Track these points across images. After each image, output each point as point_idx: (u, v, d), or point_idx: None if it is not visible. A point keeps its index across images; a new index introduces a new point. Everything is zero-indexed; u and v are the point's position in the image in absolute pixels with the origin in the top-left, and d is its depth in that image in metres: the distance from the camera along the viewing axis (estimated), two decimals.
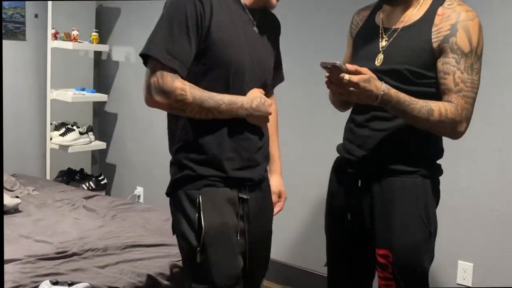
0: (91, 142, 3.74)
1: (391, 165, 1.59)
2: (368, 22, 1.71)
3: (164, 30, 1.49)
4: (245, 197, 1.57)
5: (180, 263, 2.09)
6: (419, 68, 1.55)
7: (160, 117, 3.61)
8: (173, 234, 1.63)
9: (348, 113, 1.78)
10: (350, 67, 1.41)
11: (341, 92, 1.46)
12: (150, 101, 1.57)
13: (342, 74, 1.41)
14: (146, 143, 3.74)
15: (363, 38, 1.68)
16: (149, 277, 1.97)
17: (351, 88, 1.42)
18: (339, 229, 1.75)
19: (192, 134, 1.59)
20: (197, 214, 1.53)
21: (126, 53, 3.82)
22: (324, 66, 1.43)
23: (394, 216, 1.58)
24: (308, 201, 3.01)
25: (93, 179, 3.75)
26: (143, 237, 2.38)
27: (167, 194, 1.71)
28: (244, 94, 1.54)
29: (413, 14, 1.59)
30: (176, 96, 1.48)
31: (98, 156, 4.06)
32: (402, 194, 1.58)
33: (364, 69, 1.43)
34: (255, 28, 1.59)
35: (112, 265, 2.06)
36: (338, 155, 1.78)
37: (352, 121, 1.70)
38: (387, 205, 1.59)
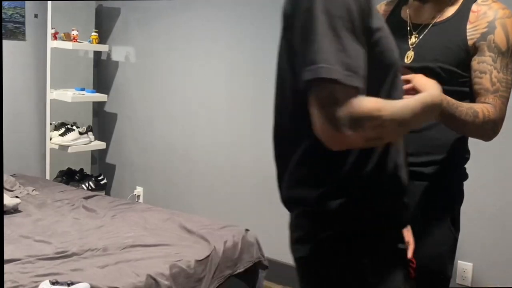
0: (90, 142, 3.74)
1: (420, 169, 1.52)
2: (393, 17, 1.61)
3: (329, 39, 1.02)
4: None
5: (179, 263, 2.09)
6: (453, 66, 1.48)
7: (159, 117, 3.63)
8: None
9: None
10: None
11: None
12: (339, 141, 1.03)
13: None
14: (146, 143, 3.74)
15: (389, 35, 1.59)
16: (149, 277, 1.97)
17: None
18: None
19: None
20: None
21: (126, 53, 3.81)
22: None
23: (420, 222, 1.48)
24: None
25: (93, 179, 3.75)
26: (142, 237, 2.38)
27: None
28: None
29: (445, 10, 1.52)
30: (372, 121, 1.02)
31: (97, 156, 4.06)
32: (430, 199, 1.52)
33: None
34: None
35: (112, 265, 2.06)
36: None
37: None
38: (413, 211, 1.46)
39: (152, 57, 3.66)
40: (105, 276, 1.95)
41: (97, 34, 3.69)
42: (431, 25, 1.52)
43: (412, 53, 1.52)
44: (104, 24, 3.89)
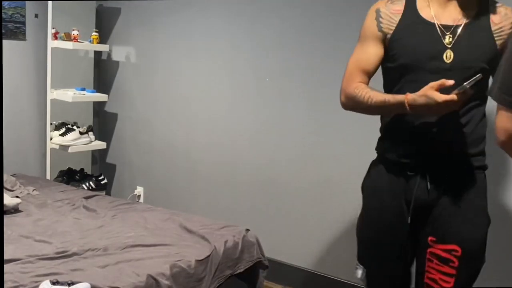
0: (91, 142, 3.74)
1: (459, 160, 1.64)
2: (411, 18, 1.64)
3: None
4: None
5: (180, 263, 2.09)
6: (487, 65, 1.58)
7: (160, 117, 3.63)
8: None
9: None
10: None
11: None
12: None
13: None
14: (146, 142, 3.74)
15: (413, 35, 1.63)
16: (149, 277, 1.97)
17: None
18: (395, 229, 1.71)
19: None
20: None
21: (127, 53, 3.82)
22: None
23: (463, 210, 1.63)
24: (309, 201, 3.01)
25: (93, 179, 3.75)
26: (143, 237, 2.38)
27: None
28: None
29: (467, 12, 1.62)
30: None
31: (98, 156, 4.06)
32: (470, 188, 1.64)
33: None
34: None
35: (112, 265, 2.06)
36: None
37: (410, 123, 1.65)
38: (456, 201, 1.62)
39: (152, 57, 3.66)
40: (106, 276, 1.95)
41: (97, 34, 3.69)
42: (462, 25, 1.60)
43: (451, 52, 1.59)
44: (104, 24, 3.89)
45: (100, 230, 2.47)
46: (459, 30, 1.60)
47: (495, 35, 1.60)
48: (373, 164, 1.81)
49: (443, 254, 1.63)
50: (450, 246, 1.62)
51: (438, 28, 1.61)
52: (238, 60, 3.25)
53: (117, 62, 3.88)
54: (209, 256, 2.22)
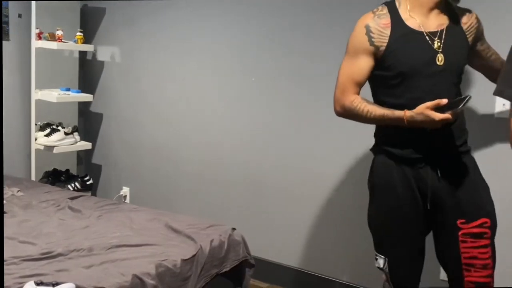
0: (76, 142, 3.72)
1: (461, 149, 1.87)
2: (401, 29, 1.81)
3: None
4: None
5: (165, 263, 2.10)
6: (466, 61, 1.88)
7: (145, 117, 3.62)
8: None
9: None
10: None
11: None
12: None
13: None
14: (132, 143, 3.73)
15: (406, 45, 1.80)
16: (135, 276, 1.97)
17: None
18: (414, 222, 1.87)
19: None
20: None
21: (112, 53, 3.80)
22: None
23: (474, 187, 1.85)
24: (295, 200, 3.03)
25: (79, 179, 3.73)
26: (128, 237, 2.37)
27: None
28: None
29: (445, 16, 1.84)
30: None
31: (83, 157, 4.04)
32: (469, 169, 1.86)
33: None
34: None
35: (97, 265, 2.05)
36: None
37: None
38: (465, 182, 1.83)
39: (138, 57, 3.65)
40: (91, 276, 1.94)
41: (82, 34, 3.67)
42: (444, 30, 1.81)
43: (442, 55, 1.79)
44: (89, 24, 3.87)
45: (85, 230, 2.46)
46: (444, 34, 1.80)
47: (466, 33, 1.86)
48: (379, 160, 1.92)
49: (476, 230, 1.81)
50: (480, 221, 1.81)
51: (426, 36, 1.80)
52: (225, 59, 3.26)
53: (102, 62, 3.86)
54: (194, 255, 2.22)
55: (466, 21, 1.86)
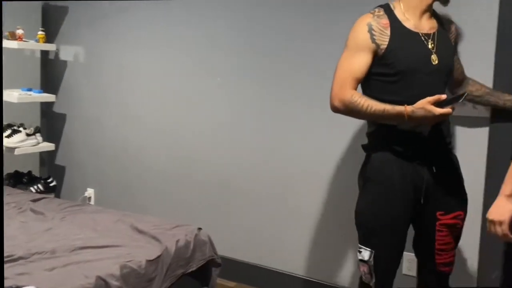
0: (39, 143, 3.65)
1: (450, 146, 2.03)
2: (400, 30, 1.90)
3: None
4: None
5: (130, 264, 2.08)
6: (453, 63, 2.03)
7: (110, 117, 3.58)
8: None
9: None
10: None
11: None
12: None
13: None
14: (97, 143, 3.68)
15: (405, 44, 1.90)
16: (99, 278, 1.94)
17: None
18: (407, 216, 1.97)
19: None
20: None
21: (75, 52, 3.74)
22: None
23: (456, 182, 2.02)
24: (262, 199, 3.04)
25: (42, 181, 3.66)
26: (92, 239, 2.34)
27: None
28: None
29: (434, 20, 1.98)
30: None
31: (46, 158, 3.96)
32: (455, 165, 2.03)
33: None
34: None
35: (60, 268, 2.02)
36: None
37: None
38: (451, 177, 1.99)
39: (102, 56, 3.60)
40: (53, 279, 1.91)
41: (44, 33, 3.60)
42: (435, 33, 1.94)
43: (435, 55, 1.90)
44: (51, 23, 3.80)
45: (48, 233, 2.42)
46: (435, 37, 1.93)
47: (450, 35, 2.03)
48: (377, 156, 1.97)
49: (452, 222, 1.97)
50: (456, 213, 1.97)
51: (422, 37, 1.91)
52: (190, 58, 3.24)
53: (65, 62, 3.79)
54: (160, 256, 2.21)
55: (449, 29, 2.04)
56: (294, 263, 2.93)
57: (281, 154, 2.95)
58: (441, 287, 2.06)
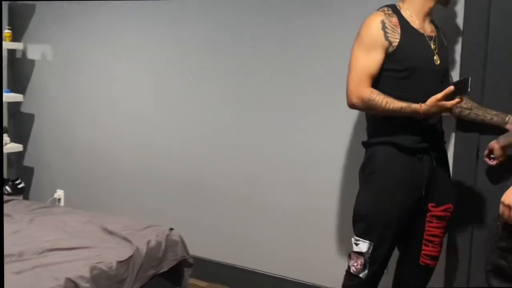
0: (6, 144, 3.57)
1: (443, 143, 2.15)
2: (408, 29, 1.99)
3: None
4: None
5: (100, 265, 2.05)
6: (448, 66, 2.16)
7: (80, 117, 3.53)
8: None
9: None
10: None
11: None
12: None
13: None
14: (66, 144, 3.63)
15: (414, 43, 1.99)
16: (68, 280, 1.92)
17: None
18: (409, 208, 2.03)
19: None
20: None
21: (43, 51, 3.67)
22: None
23: (447, 176, 2.14)
24: (234, 198, 3.04)
25: (10, 183, 3.59)
26: (62, 241, 2.31)
27: None
28: None
29: (432, 25, 2.08)
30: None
31: (14, 159, 3.88)
32: (446, 159, 2.15)
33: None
34: None
35: (28, 271, 1.98)
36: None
37: (416, 121, 1.98)
38: (444, 171, 2.11)
39: (71, 56, 3.55)
40: (21, 282, 1.88)
41: (10, 31, 3.53)
42: (436, 36, 2.05)
43: (437, 56, 2.02)
44: (18, 21, 3.72)
45: (16, 235, 2.38)
46: (436, 39, 2.04)
47: (444, 40, 2.13)
48: (380, 151, 2.02)
49: (442, 214, 2.06)
50: (446, 206, 2.07)
51: (426, 37, 2.02)
52: (161, 59, 3.22)
53: (32, 61, 3.72)
54: (131, 257, 2.19)
55: (444, 34, 2.15)
56: (267, 262, 2.94)
57: (253, 153, 2.96)
58: (422, 282, 2.14)
